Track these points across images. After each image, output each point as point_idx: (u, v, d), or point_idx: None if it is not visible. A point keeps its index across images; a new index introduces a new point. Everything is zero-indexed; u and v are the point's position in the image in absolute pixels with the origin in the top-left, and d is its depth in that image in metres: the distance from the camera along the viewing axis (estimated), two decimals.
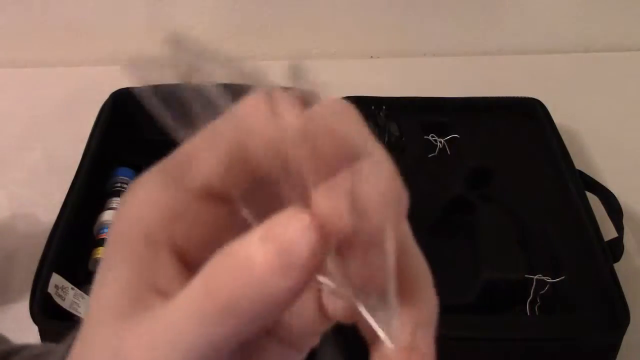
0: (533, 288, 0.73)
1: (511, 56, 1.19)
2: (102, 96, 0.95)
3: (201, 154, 0.23)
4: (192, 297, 0.20)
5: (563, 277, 0.73)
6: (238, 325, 0.19)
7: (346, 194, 0.20)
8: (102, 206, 0.84)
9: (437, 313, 0.23)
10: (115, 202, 0.84)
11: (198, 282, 0.20)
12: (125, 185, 0.86)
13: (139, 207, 0.23)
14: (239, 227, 0.22)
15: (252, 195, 0.23)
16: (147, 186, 0.23)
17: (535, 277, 0.73)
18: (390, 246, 0.20)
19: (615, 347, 0.69)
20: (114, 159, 0.89)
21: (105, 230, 0.81)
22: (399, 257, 0.21)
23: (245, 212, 0.22)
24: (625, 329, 0.68)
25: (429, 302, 0.22)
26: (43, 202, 0.89)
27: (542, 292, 0.73)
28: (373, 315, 0.21)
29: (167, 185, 0.23)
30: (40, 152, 0.99)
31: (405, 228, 0.23)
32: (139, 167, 0.87)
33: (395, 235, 0.21)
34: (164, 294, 0.22)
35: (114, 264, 0.23)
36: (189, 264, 0.23)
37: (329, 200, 0.19)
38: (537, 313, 0.72)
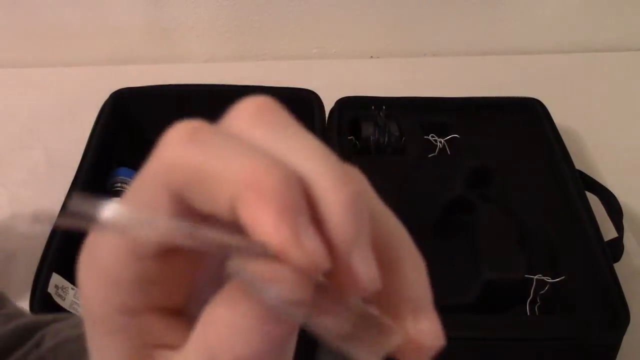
0: (533, 288, 0.73)
1: (511, 56, 1.19)
2: (102, 96, 0.95)
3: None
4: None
5: (563, 277, 0.74)
6: None
7: (312, 234, 0.19)
8: None
9: (430, 289, 0.22)
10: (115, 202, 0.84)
11: (197, 345, 0.20)
12: (125, 186, 0.86)
13: (105, 288, 0.22)
14: (211, 260, 0.23)
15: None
16: (103, 264, 0.22)
17: (535, 277, 0.73)
18: (361, 257, 0.20)
19: (615, 347, 0.69)
20: (114, 159, 0.89)
21: None
22: (376, 239, 0.21)
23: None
24: (625, 329, 0.68)
25: (419, 282, 0.22)
26: (43, 202, 0.89)
27: (542, 292, 0.73)
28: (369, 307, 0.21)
29: (121, 257, 0.21)
30: (40, 152, 0.99)
31: (378, 207, 0.22)
32: (139, 167, 0.87)
33: (368, 238, 0.20)
34: (169, 346, 0.22)
35: (103, 344, 0.22)
36: (179, 310, 0.23)
37: (300, 250, 0.19)
38: (537, 313, 0.72)
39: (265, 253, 0.19)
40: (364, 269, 0.20)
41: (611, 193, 0.84)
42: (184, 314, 0.23)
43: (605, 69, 1.15)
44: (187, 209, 0.21)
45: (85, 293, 0.22)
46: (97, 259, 0.22)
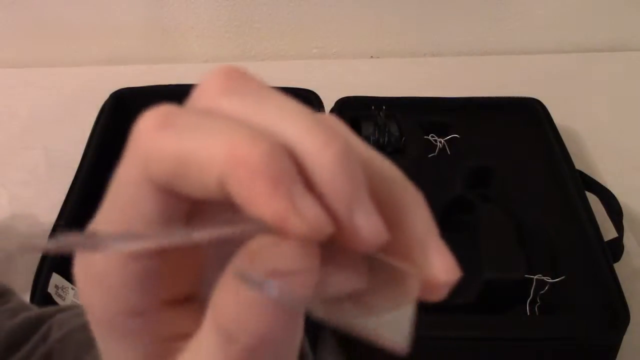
0: (533, 288, 0.73)
1: (511, 56, 1.19)
2: (102, 96, 0.95)
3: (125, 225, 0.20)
4: (215, 347, 0.19)
5: (563, 277, 0.73)
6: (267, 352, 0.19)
7: (309, 200, 0.18)
8: None
9: (434, 222, 0.22)
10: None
11: (211, 329, 0.19)
12: None
13: (104, 293, 0.21)
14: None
15: (204, 207, 0.21)
16: (99, 268, 0.21)
17: (535, 277, 0.73)
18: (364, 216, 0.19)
19: (615, 347, 0.69)
20: (114, 159, 0.89)
21: None
22: (371, 185, 0.20)
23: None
24: (625, 329, 0.68)
25: (421, 218, 0.22)
26: (43, 202, 0.89)
27: (542, 292, 0.73)
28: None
29: (116, 260, 0.20)
30: (40, 152, 0.99)
31: (365, 152, 0.21)
32: None
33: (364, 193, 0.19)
34: (184, 335, 0.21)
35: (112, 347, 0.22)
36: (188, 296, 0.22)
37: (300, 218, 0.18)
38: (537, 313, 0.72)
39: (264, 230, 0.18)
40: (369, 224, 0.19)
41: (611, 193, 0.84)
42: (194, 297, 0.22)
43: (605, 69, 1.15)
44: (174, 198, 0.20)
45: (86, 300, 0.21)
46: (92, 264, 0.21)
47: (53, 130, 1.02)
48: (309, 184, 0.19)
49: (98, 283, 0.21)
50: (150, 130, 0.19)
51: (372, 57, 1.21)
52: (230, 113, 0.20)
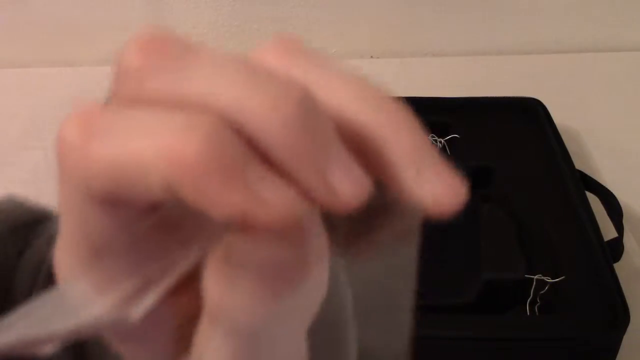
0: (533, 288, 0.73)
1: (511, 56, 1.19)
2: (102, 96, 0.95)
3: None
4: (211, 335, 0.19)
5: (563, 277, 0.73)
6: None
7: (271, 182, 0.16)
8: None
9: (425, 142, 0.19)
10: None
11: (208, 321, 0.19)
12: None
13: None
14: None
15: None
16: None
17: (535, 277, 0.73)
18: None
19: (615, 347, 0.69)
20: None
21: None
22: (343, 123, 0.17)
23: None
24: (625, 329, 0.68)
25: (407, 141, 0.18)
26: (43, 202, 0.89)
27: (542, 292, 0.73)
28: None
29: None
30: (40, 152, 0.99)
31: (333, 89, 0.18)
32: None
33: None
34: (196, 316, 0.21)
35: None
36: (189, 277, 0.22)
37: (265, 207, 0.15)
38: (537, 313, 0.72)
39: (229, 230, 0.16)
40: (347, 183, 0.16)
41: (611, 193, 0.84)
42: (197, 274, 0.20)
43: (605, 69, 1.15)
44: (125, 206, 0.18)
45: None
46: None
47: (53, 130, 1.01)
48: (267, 156, 0.16)
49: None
50: (75, 144, 0.17)
51: (372, 57, 1.21)
52: (158, 95, 0.17)
